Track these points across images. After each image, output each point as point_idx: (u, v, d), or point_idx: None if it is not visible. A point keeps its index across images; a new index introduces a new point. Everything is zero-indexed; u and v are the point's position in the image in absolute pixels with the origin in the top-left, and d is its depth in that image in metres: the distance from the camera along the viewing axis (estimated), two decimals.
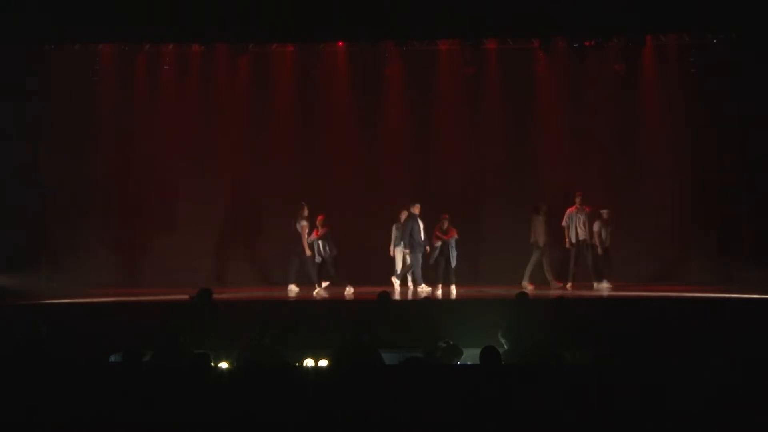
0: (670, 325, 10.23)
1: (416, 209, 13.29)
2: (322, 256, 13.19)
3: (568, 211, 13.72)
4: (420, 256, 13.19)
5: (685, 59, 14.54)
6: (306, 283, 13.12)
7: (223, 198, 15.22)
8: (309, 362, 8.51)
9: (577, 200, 13.61)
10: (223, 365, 7.80)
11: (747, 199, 13.91)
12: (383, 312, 10.14)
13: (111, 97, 14.92)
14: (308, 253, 13.05)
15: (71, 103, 14.58)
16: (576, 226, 13.64)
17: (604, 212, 13.46)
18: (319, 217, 13.25)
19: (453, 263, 13.24)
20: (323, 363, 8.40)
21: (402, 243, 13.38)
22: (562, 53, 14.70)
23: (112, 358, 8.36)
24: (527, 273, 13.54)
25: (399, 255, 13.58)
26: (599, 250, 13.48)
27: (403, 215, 13.48)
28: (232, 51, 14.74)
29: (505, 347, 8.51)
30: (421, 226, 13.24)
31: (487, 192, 14.78)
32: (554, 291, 13.10)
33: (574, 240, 13.65)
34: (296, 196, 14.74)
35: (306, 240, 13.09)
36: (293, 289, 13.11)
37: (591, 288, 13.45)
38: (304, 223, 13.20)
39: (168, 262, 14.83)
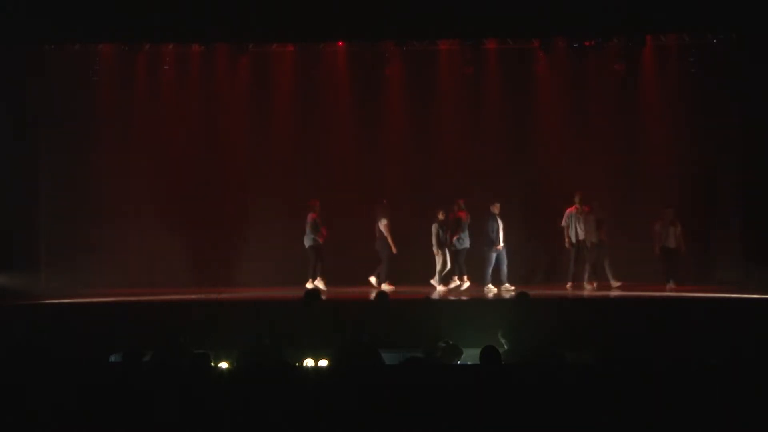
0: (670, 325, 10.24)
1: (496, 208, 13.26)
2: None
3: (568, 210, 13.70)
4: (492, 256, 13.16)
5: (685, 59, 14.52)
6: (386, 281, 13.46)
7: (223, 197, 15.20)
8: (309, 362, 8.52)
9: (577, 200, 13.59)
10: (223, 365, 7.81)
11: (747, 198, 13.91)
12: (382, 312, 10.14)
13: (111, 97, 14.89)
14: (394, 250, 13.29)
15: (71, 103, 14.57)
16: (576, 225, 13.63)
17: (668, 211, 13.38)
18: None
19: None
20: (323, 363, 8.41)
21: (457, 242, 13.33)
22: (562, 53, 14.68)
23: (112, 358, 8.36)
24: (609, 274, 13.46)
25: (446, 254, 13.47)
26: (656, 251, 13.40)
27: (441, 215, 13.45)
28: (232, 51, 14.72)
29: (505, 347, 8.52)
30: (500, 225, 13.22)
31: (487, 192, 14.74)
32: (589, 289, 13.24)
33: (573, 240, 13.63)
34: (296, 195, 14.82)
35: (390, 238, 13.29)
36: (388, 288, 13.28)
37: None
38: (385, 221, 13.34)
39: (168, 262, 14.82)
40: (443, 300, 12.53)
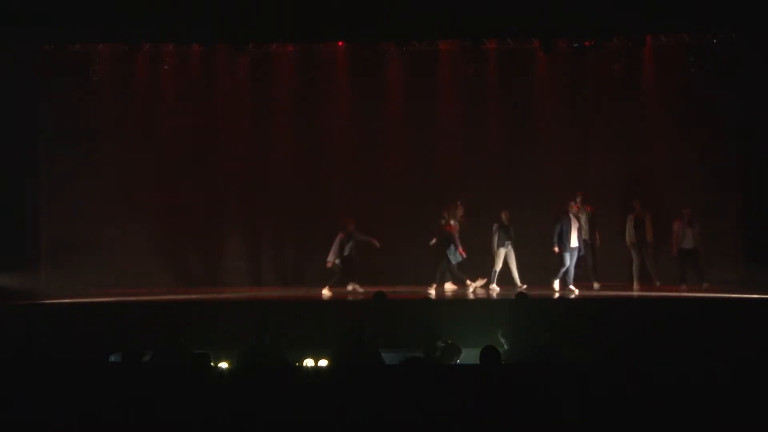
0: (670, 325, 10.24)
1: (570, 208, 13.15)
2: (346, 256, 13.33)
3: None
4: (568, 256, 12.95)
5: (685, 59, 14.52)
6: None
7: (223, 197, 15.19)
8: (309, 362, 8.53)
9: (578, 200, 13.58)
10: (223, 365, 7.81)
11: (746, 198, 13.91)
12: (380, 312, 10.14)
13: (111, 97, 14.89)
14: (460, 251, 13.27)
15: (71, 103, 14.57)
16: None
17: (686, 212, 13.32)
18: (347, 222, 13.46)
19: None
20: (323, 363, 8.42)
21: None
22: (562, 53, 14.68)
23: (112, 358, 8.37)
24: (653, 272, 13.44)
25: (501, 255, 13.35)
26: (673, 251, 13.35)
27: (504, 215, 13.40)
28: (232, 51, 14.72)
29: (505, 347, 8.52)
30: (574, 225, 13.05)
31: (487, 191, 14.73)
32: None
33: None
34: (296, 195, 14.84)
35: (458, 240, 13.26)
36: (448, 287, 13.43)
37: (592, 288, 13.43)
38: (454, 222, 13.36)
39: (168, 262, 14.82)
40: (443, 300, 12.53)
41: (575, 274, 13.50)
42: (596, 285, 13.49)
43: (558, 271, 13.08)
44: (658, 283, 13.33)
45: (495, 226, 13.43)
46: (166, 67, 15.02)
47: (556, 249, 13.03)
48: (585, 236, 13.57)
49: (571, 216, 13.08)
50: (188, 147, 15.09)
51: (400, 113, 15.13)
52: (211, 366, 6.91)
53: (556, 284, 13.04)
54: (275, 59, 15.16)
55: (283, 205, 14.99)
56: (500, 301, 12.30)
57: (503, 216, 13.41)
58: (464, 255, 13.24)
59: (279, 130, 15.17)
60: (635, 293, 12.96)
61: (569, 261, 13.00)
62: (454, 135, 15.06)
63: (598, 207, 13.82)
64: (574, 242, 13.04)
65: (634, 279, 13.47)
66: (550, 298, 12.51)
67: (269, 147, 15.19)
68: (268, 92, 15.20)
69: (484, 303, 12.44)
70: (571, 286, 12.94)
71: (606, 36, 14.06)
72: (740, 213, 14.03)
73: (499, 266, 13.34)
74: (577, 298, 12.52)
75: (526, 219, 14.03)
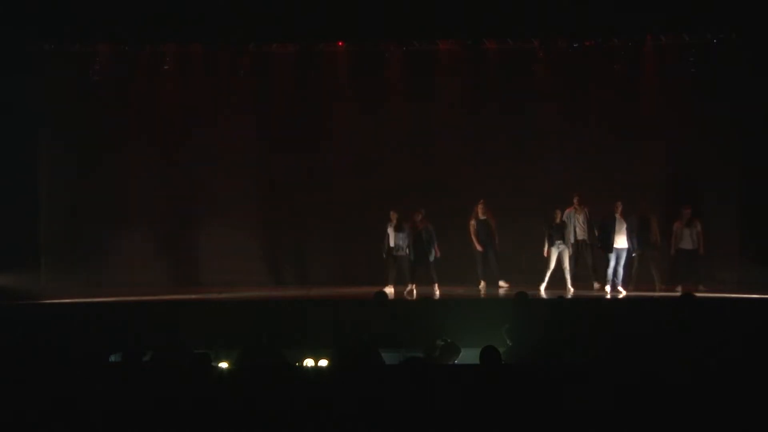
0: (669, 325, 10.24)
1: (615, 208, 13.06)
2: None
3: (567, 210, 13.69)
4: (611, 256, 12.89)
5: (685, 59, 14.53)
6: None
7: (223, 197, 15.18)
8: (309, 362, 8.53)
9: (575, 200, 13.58)
10: (223, 365, 7.81)
11: (745, 198, 13.91)
12: (380, 312, 10.14)
13: (111, 97, 14.89)
14: (478, 248, 13.59)
15: (71, 103, 14.57)
16: (575, 225, 13.61)
17: (685, 212, 13.27)
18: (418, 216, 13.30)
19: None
20: (323, 363, 8.42)
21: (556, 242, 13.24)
22: (562, 53, 14.69)
23: (112, 358, 8.37)
24: (655, 275, 13.37)
25: (554, 254, 13.25)
26: (671, 251, 13.35)
27: (558, 215, 13.34)
28: (232, 51, 14.73)
29: (509, 343, 8.53)
30: (620, 226, 12.94)
31: (486, 191, 14.73)
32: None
33: (573, 240, 13.62)
34: (296, 194, 14.84)
35: (475, 238, 13.57)
36: (483, 286, 13.61)
37: (592, 288, 13.43)
38: (473, 221, 13.55)
39: (168, 262, 14.83)
40: (443, 300, 12.53)
41: (575, 273, 13.51)
42: (596, 285, 13.49)
43: (604, 274, 13.08)
44: (659, 287, 13.30)
45: (546, 225, 13.40)
46: (166, 67, 15.01)
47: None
48: (584, 236, 13.56)
49: (617, 217, 13.03)
50: (188, 146, 15.08)
51: (400, 113, 15.13)
52: (211, 366, 6.91)
53: (608, 287, 12.98)
54: (275, 59, 15.16)
55: (284, 204, 15.00)
56: (500, 300, 12.31)
57: (556, 215, 13.34)
58: (479, 248, 13.50)
59: (279, 129, 15.16)
60: (634, 293, 12.95)
61: (613, 262, 12.97)
62: (454, 135, 15.05)
63: (597, 207, 13.79)
64: (621, 243, 12.99)
65: (629, 280, 13.42)
66: (550, 299, 12.51)
67: (269, 146, 15.18)
68: (269, 92, 15.20)
69: (484, 303, 12.44)
70: (620, 288, 12.91)
71: (606, 36, 14.07)
72: (739, 213, 14.03)
73: (551, 266, 13.28)
74: (577, 299, 12.52)
75: (526, 219, 14.04)
